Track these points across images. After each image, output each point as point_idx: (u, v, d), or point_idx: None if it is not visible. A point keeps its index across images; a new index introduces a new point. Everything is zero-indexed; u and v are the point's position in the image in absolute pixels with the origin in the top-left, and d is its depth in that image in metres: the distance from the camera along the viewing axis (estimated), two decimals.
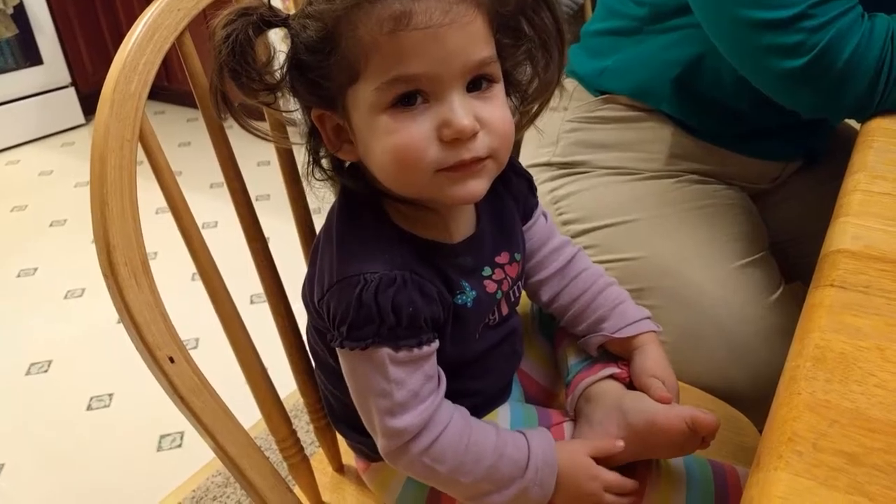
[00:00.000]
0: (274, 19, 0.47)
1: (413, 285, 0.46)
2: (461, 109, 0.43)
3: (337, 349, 0.48)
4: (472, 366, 0.55)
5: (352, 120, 0.46)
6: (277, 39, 0.48)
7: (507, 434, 0.51)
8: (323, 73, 0.45)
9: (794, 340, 0.37)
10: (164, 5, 0.49)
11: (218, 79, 0.46)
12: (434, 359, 0.49)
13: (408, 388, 0.47)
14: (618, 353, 0.60)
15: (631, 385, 0.57)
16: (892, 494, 0.27)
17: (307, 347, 0.61)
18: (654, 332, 0.59)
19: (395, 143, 0.43)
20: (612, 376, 0.58)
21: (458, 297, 0.50)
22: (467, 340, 0.53)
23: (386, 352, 0.46)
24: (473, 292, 0.51)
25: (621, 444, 0.52)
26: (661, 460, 0.56)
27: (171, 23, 0.49)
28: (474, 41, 0.43)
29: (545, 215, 0.64)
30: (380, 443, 0.49)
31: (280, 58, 0.47)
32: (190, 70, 0.53)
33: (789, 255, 0.92)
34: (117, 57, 0.47)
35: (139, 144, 0.47)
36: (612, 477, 0.51)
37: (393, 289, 0.45)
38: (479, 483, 0.49)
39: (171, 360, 0.47)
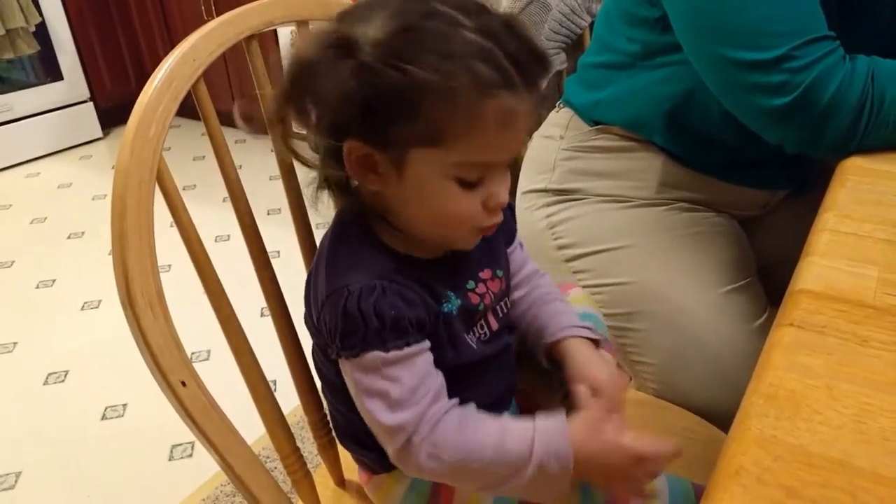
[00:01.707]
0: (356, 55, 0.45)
1: (392, 292, 0.49)
2: (504, 189, 0.51)
3: (339, 363, 0.52)
4: (466, 376, 0.57)
5: (406, 168, 0.48)
6: None
7: (509, 417, 0.53)
8: (390, 121, 0.46)
9: (752, 378, 0.40)
10: (181, 57, 0.53)
11: (281, 103, 0.49)
12: (428, 357, 0.52)
13: (404, 385, 0.49)
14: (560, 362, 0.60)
15: None
16: None
17: (313, 367, 0.65)
18: (585, 337, 0.59)
19: (456, 208, 0.49)
20: None
21: (444, 304, 0.54)
22: (461, 346, 0.56)
23: (377, 354, 0.49)
24: (458, 300, 0.55)
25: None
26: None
27: (187, 72, 0.54)
28: None
29: (521, 245, 0.68)
30: (387, 447, 0.51)
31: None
32: (204, 114, 0.57)
33: (778, 278, 0.94)
34: (137, 104, 0.51)
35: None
36: (645, 445, 0.48)
37: (373, 296, 0.48)
38: (489, 467, 0.49)
39: (184, 384, 0.51)
